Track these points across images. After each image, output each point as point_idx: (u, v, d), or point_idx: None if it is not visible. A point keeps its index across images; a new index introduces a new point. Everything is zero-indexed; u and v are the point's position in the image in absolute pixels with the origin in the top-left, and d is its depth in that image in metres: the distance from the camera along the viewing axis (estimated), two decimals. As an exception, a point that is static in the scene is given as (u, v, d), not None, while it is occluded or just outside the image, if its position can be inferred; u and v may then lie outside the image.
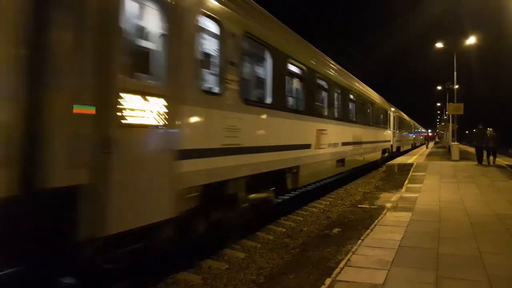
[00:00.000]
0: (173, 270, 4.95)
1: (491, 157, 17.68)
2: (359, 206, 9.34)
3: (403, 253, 5.05)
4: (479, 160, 18.10)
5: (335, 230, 6.87)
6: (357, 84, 14.44)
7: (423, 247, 5.33)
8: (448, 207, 8.15)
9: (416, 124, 57.02)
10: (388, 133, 21.68)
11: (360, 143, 13.59)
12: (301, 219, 8.32)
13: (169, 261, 5.38)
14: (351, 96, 12.77)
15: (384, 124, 20.39)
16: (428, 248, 5.24)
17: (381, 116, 19.49)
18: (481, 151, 18.14)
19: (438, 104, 75.22)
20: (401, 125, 29.63)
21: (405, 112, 41.17)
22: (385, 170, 17.84)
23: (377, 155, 18.08)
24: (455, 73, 28.82)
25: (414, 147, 43.83)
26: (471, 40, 27.16)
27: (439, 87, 50.40)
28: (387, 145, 21.26)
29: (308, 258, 5.41)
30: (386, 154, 21.04)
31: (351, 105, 12.88)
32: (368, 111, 15.90)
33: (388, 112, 22.09)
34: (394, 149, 24.19)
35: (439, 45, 29.92)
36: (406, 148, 34.10)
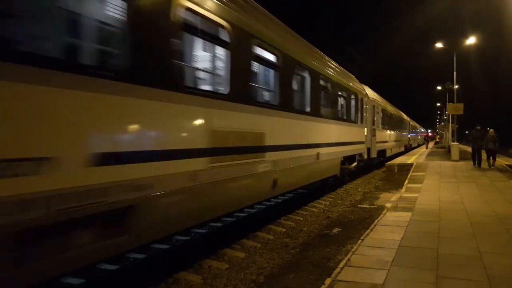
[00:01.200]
0: (173, 270, 4.95)
1: (491, 160, 16.60)
2: (359, 206, 9.36)
3: (403, 253, 5.05)
4: (475, 162, 17.12)
5: (335, 230, 6.88)
6: (270, 29, 6.98)
7: (423, 247, 5.33)
8: (448, 207, 8.16)
9: (413, 122, 49.31)
10: (361, 131, 14.21)
11: (262, 149, 6.41)
12: (301, 219, 8.32)
13: (169, 261, 5.39)
14: (235, 45, 5.60)
15: (352, 116, 13.12)
16: (428, 248, 5.24)
17: (345, 103, 12.18)
18: (478, 153, 17.09)
19: (438, 104, 75.27)
20: (387, 120, 22.30)
21: (405, 112, 39.13)
22: (385, 170, 17.84)
23: (332, 168, 10.77)
24: (455, 73, 28.82)
25: (409, 148, 37.22)
26: (471, 40, 27.16)
27: (439, 87, 50.43)
28: (358, 148, 13.72)
29: (308, 258, 5.42)
30: (355, 163, 13.48)
31: (232, 66, 5.59)
32: (306, 89, 8.85)
33: (360, 98, 14.34)
34: (374, 154, 16.66)
35: (439, 45, 29.93)
36: (396, 151, 26.41)
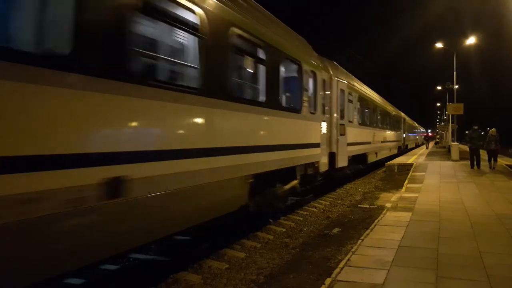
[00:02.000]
0: (173, 270, 4.95)
1: (492, 161, 15.66)
2: (359, 206, 9.36)
3: (403, 253, 5.05)
4: (473, 164, 16.08)
5: (335, 230, 6.89)
6: None
7: (423, 247, 5.33)
8: (448, 207, 8.15)
9: (410, 120, 42.10)
10: (312, 126, 8.87)
11: None
12: (301, 219, 8.32)
13: (169, 261, 5.39)
14: None
15: (287, 100, 7.83)
16: (428, 248, 5.24)
17: (264, 74, 6.57)
18: (476, 154, 15.96)
19: (438, 104, 75.39)
20: (369, 113, 16.83)
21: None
22: (385, 170, 17.84)
23: (214, 204, 5.27)
24: (455, 73, 28.84)
25: (403, 150, 30.47)
26: (471, 40, 27.18)
27: (439, 87, 50.45)
28: (305, 156, 8.24)
29: (308, 258, 5.42)
30: (296, 181, 8.04)
31: None
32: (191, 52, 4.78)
33: (311, 73, 8.87)
34: (343, 162, 11.26)
35: (439, 45, 29.94)
36: (385, 154, 21.21)
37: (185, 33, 4.83)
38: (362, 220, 7.63)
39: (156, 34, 4.65)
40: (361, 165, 15.25)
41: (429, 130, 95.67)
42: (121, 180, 3.50)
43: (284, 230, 7.35)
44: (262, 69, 6.66)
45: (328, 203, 10.28)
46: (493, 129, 15.59)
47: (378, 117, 19.46)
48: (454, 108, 24.88)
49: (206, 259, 5.45)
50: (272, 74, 6.89)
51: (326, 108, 10.17)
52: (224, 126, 5.32)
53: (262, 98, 6.60)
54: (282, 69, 7.32)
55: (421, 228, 6.38)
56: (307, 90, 8.58)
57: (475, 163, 16.10)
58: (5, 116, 2.68)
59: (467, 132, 18.61)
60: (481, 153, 16.31)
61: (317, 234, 6.90)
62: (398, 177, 15.20)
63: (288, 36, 8.09)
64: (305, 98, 8.39)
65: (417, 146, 46.62)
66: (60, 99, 3.06)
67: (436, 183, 11.94)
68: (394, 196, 9.96)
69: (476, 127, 16.35)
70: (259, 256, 5.78)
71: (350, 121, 12.67)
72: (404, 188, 11.27)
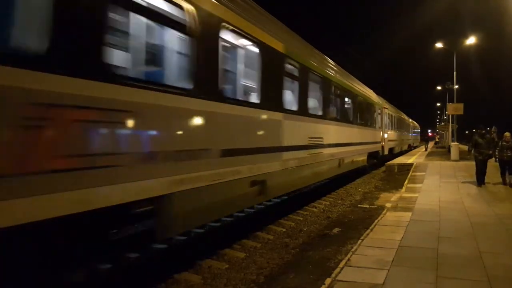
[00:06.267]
0: (173, 270, 4.95)
1: (508, 175, 11.47)
2: (359, 206, 9.35)
3: (403, 253, 5.05)
4: (480, 179, 11.53)
5: (335, 230, 6.88)
6: None
7: (423, 247, 5.33)
8: (448, 207, 8.16)
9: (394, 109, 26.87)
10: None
11: None
12: (301, 219, 8.32)
13: (169, 261, 5.39)
14: None
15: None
16: (428, 248, 5.25)
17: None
18: (484, 167, 11.60)
19: (438, 104, 75.29)
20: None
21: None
22: (385, 170, 17.84)
23: None
24: (455, 73, 28.81)
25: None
26: (471, 40, 27.16)
27: (439, 87, 50.38)
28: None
29: (308, 258, 5.41)
30: None
31: None
32: None
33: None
34: None
35: (439, 45, 29.92)
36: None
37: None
38: (362, 220, 7.62)
39: None
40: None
41: (429, 130, 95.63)
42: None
43: (284, 230, 7.35)
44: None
45: (328, 203, 10.28)
46: (506, 133, 11.39)
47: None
48: (454, 108, 24.86)
49: (206, 259, 5.45)
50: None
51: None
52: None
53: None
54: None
55: (421, 228, 6.38)
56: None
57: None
58: None
59: (467, 132, 16.92)
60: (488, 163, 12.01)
61: (317, 234, 6.90)
62: (398, 177, 15.19)
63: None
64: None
65: (409, 149, 32.47)
66: None
67: (436, 183, 11.94)
68: (394, 196, 9.95)
69: (483, 130, 11.95)
70: (259, 256, 5.78)
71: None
72: (404, 188, 11.27)
